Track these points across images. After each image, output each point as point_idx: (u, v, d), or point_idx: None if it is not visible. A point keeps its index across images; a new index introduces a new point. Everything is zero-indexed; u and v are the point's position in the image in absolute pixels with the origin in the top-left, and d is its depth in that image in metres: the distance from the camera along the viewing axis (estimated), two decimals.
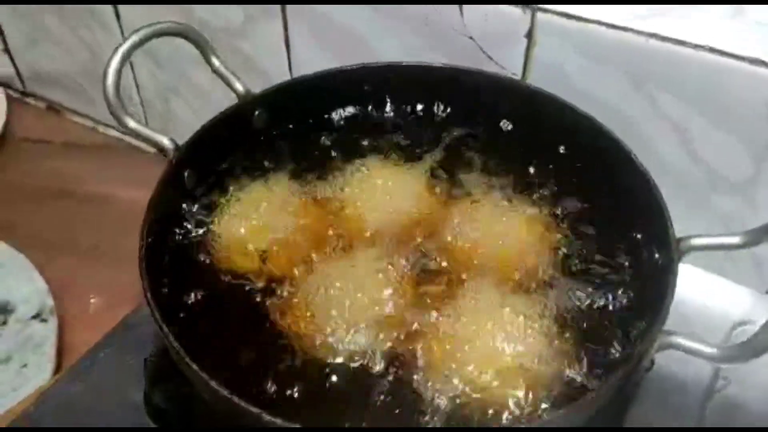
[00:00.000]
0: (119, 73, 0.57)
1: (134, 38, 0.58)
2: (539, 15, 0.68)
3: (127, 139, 1.10)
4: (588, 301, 0.56)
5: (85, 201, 1.04)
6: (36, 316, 0.82)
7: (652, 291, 0.54)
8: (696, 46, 0.63)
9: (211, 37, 0.64)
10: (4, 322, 0.82)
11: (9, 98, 1.17)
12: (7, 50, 1.16)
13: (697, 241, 0.54)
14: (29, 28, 1.11)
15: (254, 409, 0.44)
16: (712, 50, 0.62)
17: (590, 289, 0.57)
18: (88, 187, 1.06)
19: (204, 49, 0.64)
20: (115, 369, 0.63)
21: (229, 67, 0.65)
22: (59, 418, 0.60)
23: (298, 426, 0.43)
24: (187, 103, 1.01)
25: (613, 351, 0.53)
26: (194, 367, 0.46)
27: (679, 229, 0.54)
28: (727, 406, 0.62)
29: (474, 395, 0.51)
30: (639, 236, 0.59)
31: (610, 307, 0.56)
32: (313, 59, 0.84)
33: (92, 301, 0.89)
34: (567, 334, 0.54)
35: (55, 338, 0.80)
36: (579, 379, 0.51)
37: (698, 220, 0.70)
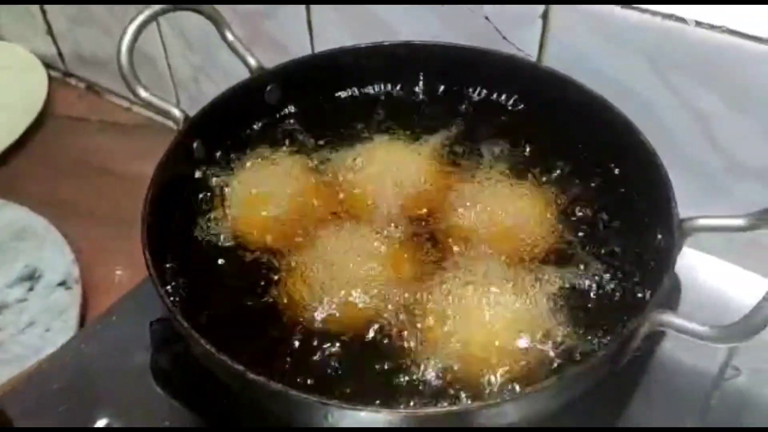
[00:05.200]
0: (133, 42, 0.59)
1: (149, 11, 0.60)
2: None
3: (161, 119, 1.13)
4: (587, 281, 0.56)
5: (119, 177, 1.07)
6: (61, 284, 0.85)
7: (654, 270, 0.53)
8: (713, 27, 0.61)
9: (240, 17, 0.65)
10: (32, 288, 0.85)
11: (51, 78, 1.21)
12: (50, 31, 1.20)
13: (700, 222, 0.53)
14: (72, 10, 1.15)
15: (238, 366, 0.45)
16: (730, 32, 0.60)
17: (591, 269, 0.56)
18: (122, 164, 1.09)
19: (218, 23, 0.66)
20: (125, 332, 0.65)
21: (244, 42, 0.66)
22: (70, 377, 0.63)
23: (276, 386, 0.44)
24: (217, 85, 1.03)
25: (608, 329, 0.52)
26: (184, 322, 0.47)
27: (694, 214, 0.53)
28: (734, 397, 0.60)
29: (464, 367, 0.51)
30: (645, 217, 0.58)
31: (610, 288, 0.55)
32: (336, 40, 0.85)
33: (118, 272, 0.91)
34: (563, 312, 0.53)
35: (79, 305, 0.83)
36: (573, 355, 0.51)
37: (716, 208, 0.68)
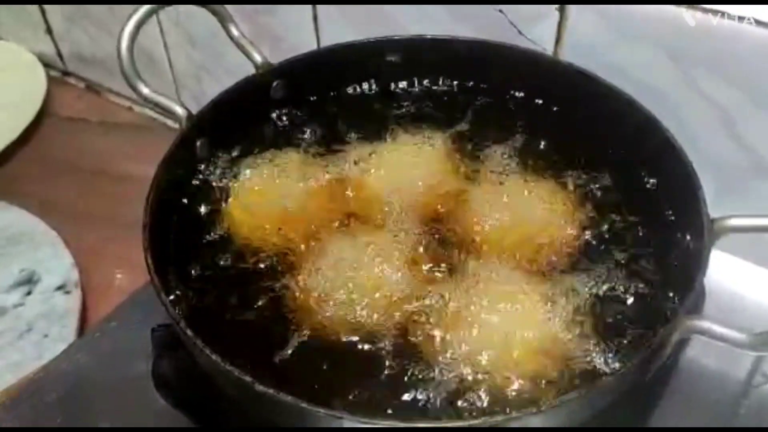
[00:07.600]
0: (134, 37, 0.57)
1: (150, 5, 0.58)
2: None
3: (162, 118, 1.11)
4: (613, 285, 0.53)
5: (120, 178, 1.05)
6: (60, 288, 0.83)
7: (683, 274, 0.50)
8: (740, 19, 0.58)
9: (242, 14, 0.63)
10: (29, 293, 0.83)
11: (50, 77, 1.18)
12: (48, 31, 1.18)
13: (733, 222, 0.50)
14: (71, 9, 1.13)
15: (246, 378, 0.42)
16: (758, 23, 0.58)
17: (616, 274, 0.53)
18: (122, 165, 1.07)
19: (223, 18, 0.63)
20: (124, 339, 0.63)
21: (248, 37, 0.64)
22: (68, 386, 0.60)
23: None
24: (220, 83, 1.00)
25: (637, 336, 0.49)
26: (188, 331, 0.45)
27: (719, 215, 0.51)
28: (764, 403, 0.58)
29: (483, 376, 0.48)
30: (672, 218, 0.56)
31: (638, 294, 0.53)
32: (343, 36, 0.82)
33: (118, 276, 0.89)
34: (589, 319, 0.51)
35: (78, 310, 0.81)
36: (599, 364, 0.48)
37: (738, 207, 0.65)
